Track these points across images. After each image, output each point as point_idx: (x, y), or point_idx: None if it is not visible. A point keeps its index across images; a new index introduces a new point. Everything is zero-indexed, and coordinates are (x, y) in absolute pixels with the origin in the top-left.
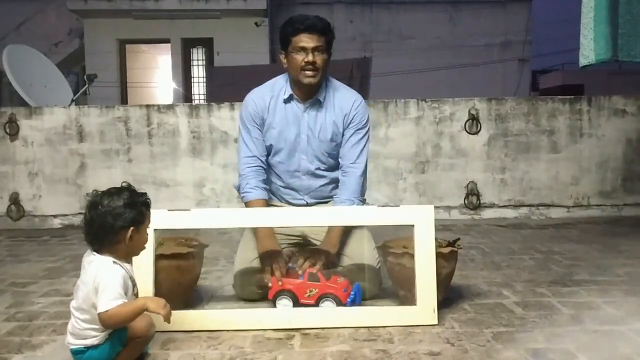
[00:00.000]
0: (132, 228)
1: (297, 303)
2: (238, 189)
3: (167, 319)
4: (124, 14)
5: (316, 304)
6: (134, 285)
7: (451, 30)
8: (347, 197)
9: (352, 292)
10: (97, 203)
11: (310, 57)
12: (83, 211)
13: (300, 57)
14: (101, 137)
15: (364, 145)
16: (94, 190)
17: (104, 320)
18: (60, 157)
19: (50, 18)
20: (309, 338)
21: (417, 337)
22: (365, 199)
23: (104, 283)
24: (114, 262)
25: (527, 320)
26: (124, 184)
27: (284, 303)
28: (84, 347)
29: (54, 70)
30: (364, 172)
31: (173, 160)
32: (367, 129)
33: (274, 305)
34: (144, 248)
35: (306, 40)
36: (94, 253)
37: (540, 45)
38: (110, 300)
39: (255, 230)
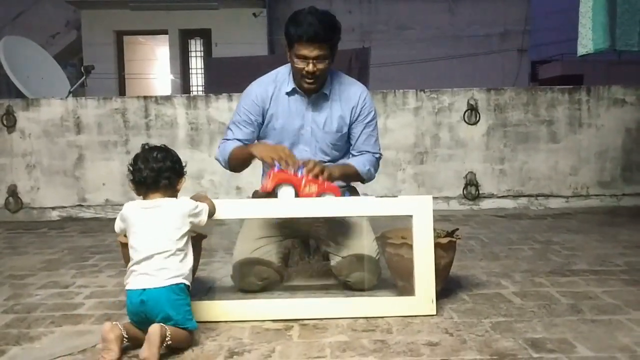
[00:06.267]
0: (184, 177)
1: (297, 194)
2: (218, 156)
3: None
4: (121, 5)
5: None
6: None
7: (450, 21)
8: (367, 159)
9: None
10: (167, 156)
11: (310, 67)
12: (134, 165)
13: (300, 65)
14: (99, 129)
15: (377, 135)
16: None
17: (213, 209)
18: (58, 149)
19: (47, 9)
20: (307, 329)
21: (416, 327)
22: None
23: (194, 202)
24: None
25: (526, 310)
26: (162, 145)
27: (286, 190)
28: (185, 284)
29: (51, 62)
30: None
31: None
32: (376, 119)
33: (275, 196)
34: None
35: (307, 51)
36: (158, 199)
37: (539, 36)
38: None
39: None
